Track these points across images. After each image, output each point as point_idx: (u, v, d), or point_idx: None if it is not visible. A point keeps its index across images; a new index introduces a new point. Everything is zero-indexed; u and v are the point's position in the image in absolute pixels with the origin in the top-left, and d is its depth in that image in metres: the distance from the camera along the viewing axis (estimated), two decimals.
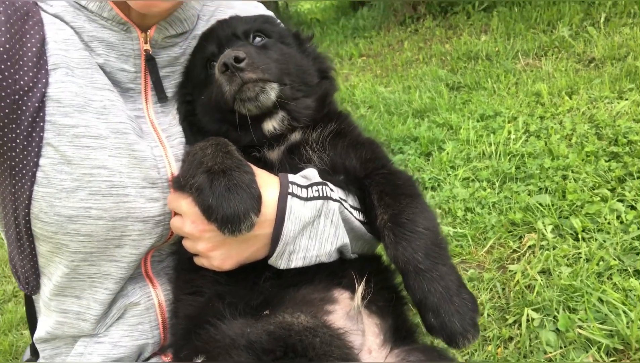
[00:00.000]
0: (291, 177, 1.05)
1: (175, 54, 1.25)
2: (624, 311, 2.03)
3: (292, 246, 1.02)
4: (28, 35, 1.05)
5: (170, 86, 1.26)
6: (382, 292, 1.14)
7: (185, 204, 1.04)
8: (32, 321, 1.37)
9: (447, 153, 3.82)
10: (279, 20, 1.38)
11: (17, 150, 1.04)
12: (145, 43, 1.17)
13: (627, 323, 1.98)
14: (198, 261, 1.11)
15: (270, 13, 1.46)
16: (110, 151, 1.09)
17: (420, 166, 3.83)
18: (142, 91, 1.21)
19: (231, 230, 0.90)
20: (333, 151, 1.18)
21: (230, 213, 0.90)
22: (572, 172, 3.07)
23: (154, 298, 1.23)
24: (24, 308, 1.40)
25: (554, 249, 2.58)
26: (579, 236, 2.60)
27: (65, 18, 1.12)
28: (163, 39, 1.20)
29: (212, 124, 1.21)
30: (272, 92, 1.10)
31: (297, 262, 1.03)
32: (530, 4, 6.94)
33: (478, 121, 4.22)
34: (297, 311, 0.93)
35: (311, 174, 1.09)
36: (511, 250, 2.74)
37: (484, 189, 3.29)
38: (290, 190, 1.02)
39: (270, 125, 1.17)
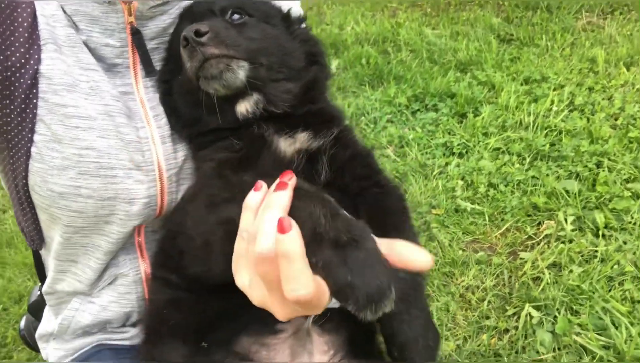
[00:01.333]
0: None
1: (163, 24, 1.18)
2: (626, 326, 1.99)
3: None
4: (19, 10, 1.03)
5: (159, 59, 1.20)
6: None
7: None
8: (40, 272, 1.45)
9: (483, 118, 3.65)
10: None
11: (12, 125, 1.06)
12: (130, 15, 1.11)
13: (627, 338, 1.95)
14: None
15: None
16: (99, 132, 1.09)
17: (451, 129, 3.68)
18: (131, 65, 1.17)
19: (374, 310, 0.69)
20: (334, 163, 1.13)
21: (372, 294, 0.70)
22: (609, 159, 2.90)
23: (141, 272, 1.27)
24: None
25: (570, 242, 2.51)
26: (600, 232, 2.50)
27: None
28: (148, 10, 1.13)
29: (185, 106, 1.15)
30: (240, 70, 1.01)
31: None
32: None
33: (522, 85, 3.97)
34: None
35: None
36: (526, 236, 2.68)
37: (512, 164, 3.16)
38: None
39: (243, 107, 1.09)
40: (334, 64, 5.13)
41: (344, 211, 0.79)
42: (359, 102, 4.31)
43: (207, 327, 1.02)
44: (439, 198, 3.03)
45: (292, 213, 0.76)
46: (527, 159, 3.16)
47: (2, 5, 1.00)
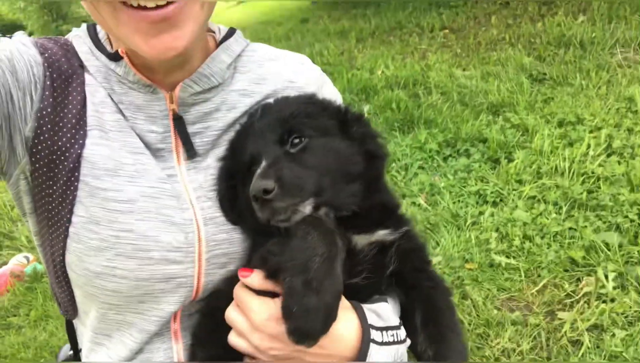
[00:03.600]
0: (369, 317, 1.06)
1: (206, 109, 1.21)
2: None
3: None
4: (70, 97, 1.10)
5: (202, 143, 1.22)
6: None
7: (258, 305, 1.04)
8: (72, 340, 1.49)
9: (516, 164, 3.57)
10: (322, 99, 1.26)
11: (54, 204, 1.12)
12: (172, 103, 1.15)
13: None
14: (239, 344, 1.09)
15: (316, 72, 1.37)
16: (138, 215, 1.12)
17: (484, 176, 3.62)
18: (173, 149, 1.20)
19: (295, 341, 0.93)
20: (399, 255, 1.17)
21: (303, 329, 0.93)
22: None
23: (174, 354, 1.27)
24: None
25: (612, 302, 2.38)
26: None
27: (98, 78, 1.15)
28: (189, 97, 1.17)
29: (251, 218, 1.19)
30: (306, 208, 1.07)
31: None
32: None
33: (556, 128, 3.88)
34: None
35: (385, 313, 1.10)
36: (565, 294, 2.56)
37: (549, 214, 3.06)
38: (371, 337, 1.03)
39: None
40: (365, 109, 5.17)
41: (340, 271, 0.98)
42: (390, 148, 4.31)
43: None
44: (473, 251, 2.96)
45: (307, 236, 0.99)
46: (564, 209, 3.06)
47: (56, 93, 1.08)
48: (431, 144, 4.14)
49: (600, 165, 3.29)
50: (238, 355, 1.08)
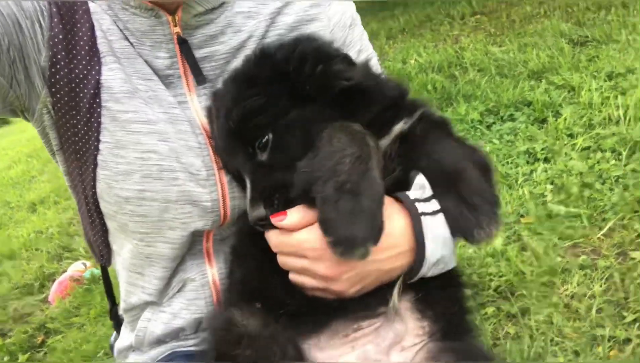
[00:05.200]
0: (412, 194, 0.98)
1: (210, 32, 1.17)
2: None
3: (434, 263, 0.98)
4: (79, 25, 1.11)
5: (210, 68, 1.19)
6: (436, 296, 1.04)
7: (306, 233, 0.95)
8: (108, 291, 1.49)
9: (565, 119, 3.39)
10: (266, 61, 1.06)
11: (80, 135, 1.12)
12: (176, 26, 1.13)
13: None
14: (304, 281, 1.00)
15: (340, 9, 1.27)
16: (160, 135, 1.12)
17: (532, 135, 3.45)
18: (182, 75, 1.18)
19: (342, 253, 0.86)
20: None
21: (346, 236, 0.85)
22: None
23: (209, 275, 1.25)
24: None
25: None
26: None
27: (102, 6, 1.15)
28: (193, 18, 1.14)
29: None
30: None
31: (434, 272, 1.00)
32: None
33: (605, 81, 3.67)
34: None
35: (424, 182, 0.99)
36: (636, 234, 2.36)
37: (607, 161, 2.87)
38: (420, 210, 0.95)
39: None
40: None
41: (377, 174, 0.90)
42: None
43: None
44: (527, 205, 2.79)
45: (332, 140, 0.90)
46: (624, 153, 2.86)
47: (65, 20, 1.08)
48: (472, 114, 3.99)
49: None
50: (276, 267, 1.01)
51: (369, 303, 1.00)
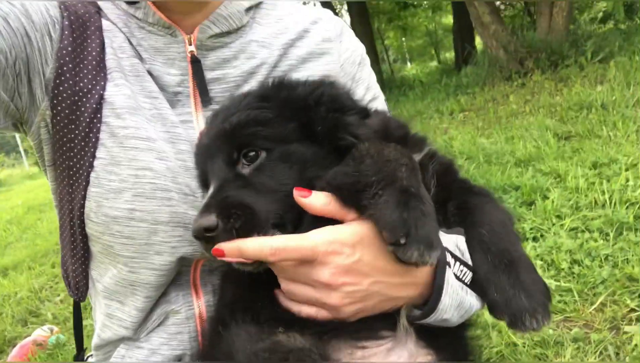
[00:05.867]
0: (448, 245, 0.93)
1: (224, 55, 1.20)
2: None
3: (442, 316, 0.92)
4: (89, 40, 1.12)
5: (220, 90, 1.19)
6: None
7: (316, 233, 0.87)
8: (79, 332, 1.38)
9: (553, 201, 3.43)
10: (280, 90, 1.04)
11: (75, 150, 1.08)
12: (190, 44, 1.16)
13: None
14: (299, 308, 0.93)
15: (333, 23, 1.33)
16: (158, 154, 1.08)
17: (521, 216, 3.47)
18: (191, 94, 1.18)
19: (422, 254, 0.77)
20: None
21: (424, 235, 0.77)
22: None
23: (195, 307, 1.16)
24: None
25: None
26: None
27: (119, 25, 1.17)
28: (208, 39, 1.17)
29: None
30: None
31: (435, 321, 0.94)
32: None
33: (590, 169, 3.78)
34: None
35: (463, 245, 0.95)
36: (628, 309, 2.30)
37: (595, 241, 2.87)
38: (447, 260, 0.91)
39: None
40: None
41: (420, 179, 0.87)
42: None
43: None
44: None
45: (384, 151, 0.87)
46: (611, 234, 2.86)
47: (75, 34, 1.09)
48: None
49: None
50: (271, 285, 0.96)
51: (372, 325, 0.93)
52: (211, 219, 0.85)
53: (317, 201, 0.88)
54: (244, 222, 0.85)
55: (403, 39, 25.27)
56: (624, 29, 8.31)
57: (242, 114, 0.96)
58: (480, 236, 0.94)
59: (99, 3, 1.19)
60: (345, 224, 0.88)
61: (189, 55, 1.16)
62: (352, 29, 1.49)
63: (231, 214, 0.85)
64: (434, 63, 24.24)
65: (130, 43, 1.16)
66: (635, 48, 6.76)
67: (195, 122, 1.17)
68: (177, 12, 1.16)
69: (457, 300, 0.91)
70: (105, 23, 1.16)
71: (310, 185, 0.90)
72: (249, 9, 1.24)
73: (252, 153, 0.94)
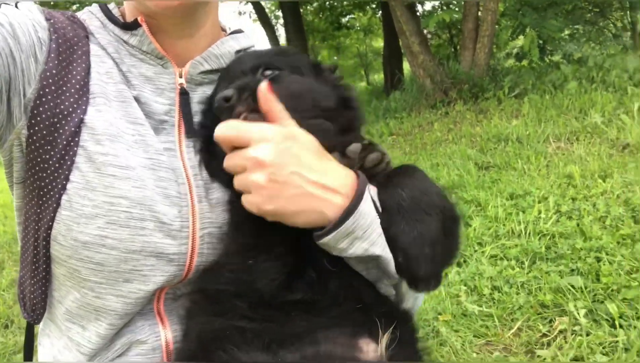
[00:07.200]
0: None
1: (210, 92, 1.22)
2: None
3: (359, 231, 0.93)
4: (74, 64, 1.10)
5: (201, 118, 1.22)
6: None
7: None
8: (29, 353, 1.32)
9: (474, 229, 3.70)
10: (297, 52, 1.32)
11: (49, 171, 1.05)
12: (180, 77, 1.18)
13: None
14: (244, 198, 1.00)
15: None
16: (135, 182, 1.07)
17: None
18: (176, 124, 1.19)
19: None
20: None
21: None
22: (607, 254, 2.91)
23: (162, 338, 1.15)
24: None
25: (587, 335, 2.38)
26: (616, 322, 2.40)
27: (109, 50, 1.17)
28: (198, 74, 1.20)
29: (224, 174, 1.17)
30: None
31: (355, 251, 0.94)
32: (562, 92, 7.03)
33: (507, 200, 4.11)
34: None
35: (376, 196, 1.02)
36: (541, 334, 2.54)
37: (512, 268, 3.13)
38: (367, 186, 0.98)
39: None
40: None
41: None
42: None
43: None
44: (444, 304, 2.92)
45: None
46: (526, 262, 3.14)
47: (61, 57, 1.08)
48: None
49: (553, 225, 3.47)
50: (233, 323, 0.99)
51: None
52: (230, 91, 1.01)
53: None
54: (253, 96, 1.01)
55: (335, 57, 25.85)
56: (536, 68, 9.07)
57: (266, 50, 1.24)
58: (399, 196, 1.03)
59: (90, 28, 1.18)
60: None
61: (179, 87, 1.18)
62: (288, 45, 1.62)
63: (247, 88, 1.02)
64: (364, 83, 25.04)
65: (120, 69, 1.16)
66: (545, 87, 7.42)
67: (178, 150, 1.18)
68: (169, 34, 1.17)
69: (372, 217, 0.95)
70: (93, 48, 1.15)
71: (316, 102, 1.09)
72: (238, 52, 1.29)
73: (270, 70, 1.11)
